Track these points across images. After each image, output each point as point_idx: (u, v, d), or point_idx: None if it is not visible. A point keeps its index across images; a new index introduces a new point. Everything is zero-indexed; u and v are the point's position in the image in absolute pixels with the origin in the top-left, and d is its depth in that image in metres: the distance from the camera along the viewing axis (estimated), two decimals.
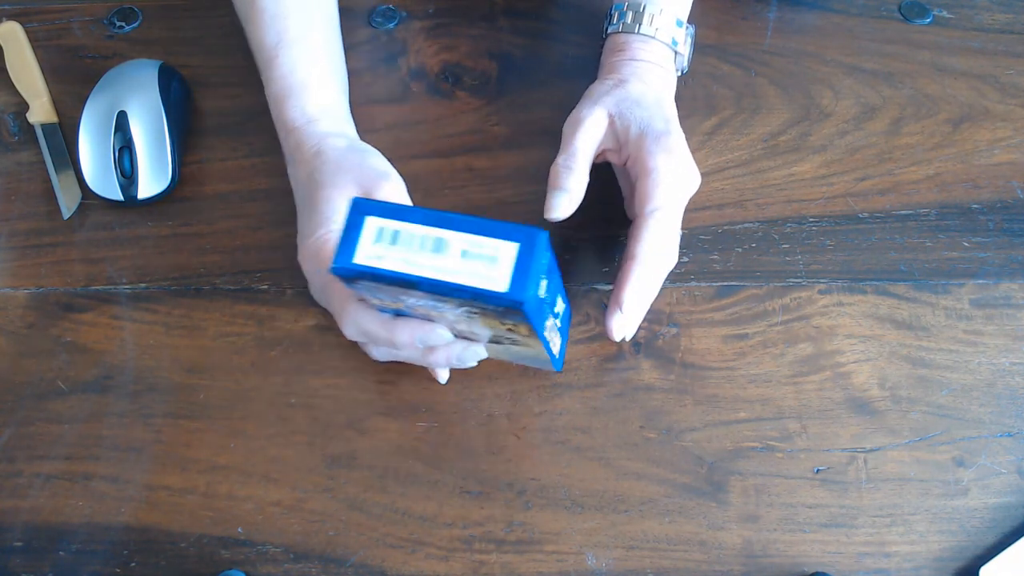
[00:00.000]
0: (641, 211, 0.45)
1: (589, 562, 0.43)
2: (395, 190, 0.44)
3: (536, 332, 0.36)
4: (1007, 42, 0.59)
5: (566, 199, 0.46)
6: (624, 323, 0.45)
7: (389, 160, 0.47)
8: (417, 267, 0.33)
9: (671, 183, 0.46)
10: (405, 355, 0.44)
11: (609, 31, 0.52)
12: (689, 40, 0.53)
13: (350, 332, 0.43)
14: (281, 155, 0.50)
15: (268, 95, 0.49)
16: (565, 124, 0.49)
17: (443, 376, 0.47)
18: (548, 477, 0.45)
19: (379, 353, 0.45)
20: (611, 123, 0.48)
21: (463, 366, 0.43)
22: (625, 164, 0.48)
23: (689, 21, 0.53)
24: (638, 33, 0.51)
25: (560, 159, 0.47)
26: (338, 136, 0.47)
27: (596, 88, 0.50)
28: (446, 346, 0.42)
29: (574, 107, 0.49)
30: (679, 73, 0.53)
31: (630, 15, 0.51)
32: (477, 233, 0.33)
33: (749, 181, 0.53)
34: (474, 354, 0.42)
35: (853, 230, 0.52)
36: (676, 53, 0.52)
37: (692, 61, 0.54)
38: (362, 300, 0.41)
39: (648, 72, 0.50)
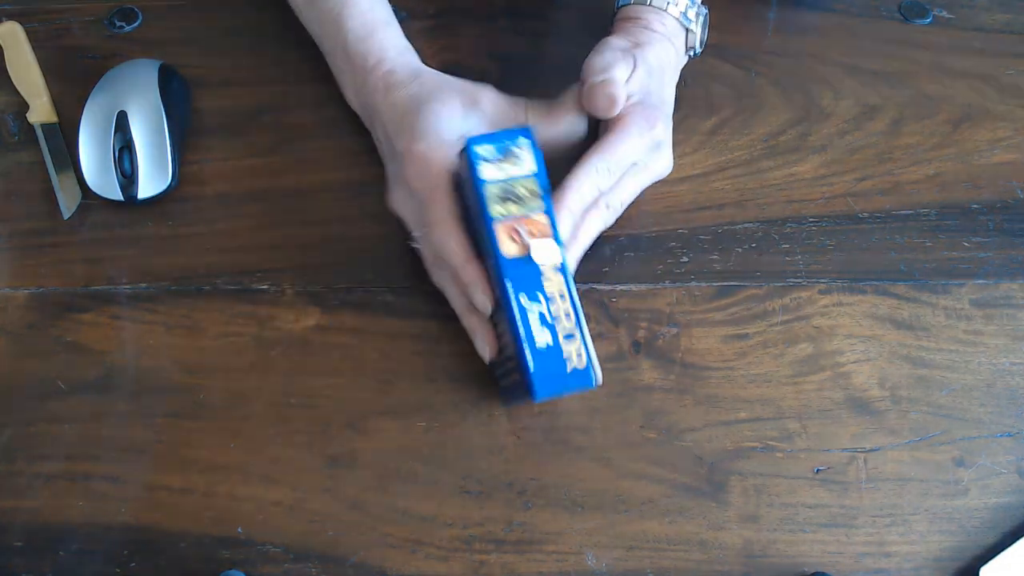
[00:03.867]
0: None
1: (589, 562, 0.43)
2: (497, 96, 0.48)
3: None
4: (1007, 42, 0.59)
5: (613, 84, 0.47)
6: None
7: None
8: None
9: (639, 146, 0.46)
10: (452, 294, 0.46)
11: (621, 3, 0.52)
12: (702, 20, 0.53)
13: (436, 238, 0.44)
14: (282, 155, 0.50)
15: (344, 34, 0.51)
16: (587, 60, 0.48)
17: (485, 354, 0.46)
18: (548, 477, 0.45)
19: (438, 277, 0.47)
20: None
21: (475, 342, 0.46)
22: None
23: (705, 4, 0.53)
24: (651, 5, 0.51)
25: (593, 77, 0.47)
26: (431, 71, 0.49)
27: (614, 41, 0.49)
28: (481, 322, 0.45)
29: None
30: (690, 56, 0.53)
31: None
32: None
33: (749, 181, 0.53)
34: (481, 343, 0.45)
35: (853, 230, 0.52)
36: (688, 31, 0.52)
37: (704, 47, 0.54)
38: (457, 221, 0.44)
39: (660, 44, 0.50)
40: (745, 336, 0.48)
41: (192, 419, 0.46)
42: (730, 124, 0.56)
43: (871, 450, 0.45)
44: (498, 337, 0.44)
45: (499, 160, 0.40)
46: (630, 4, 0.51)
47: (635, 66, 0.47)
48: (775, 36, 0.60)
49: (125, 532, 0.44)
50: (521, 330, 0.39)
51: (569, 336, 0.40)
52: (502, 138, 0.41)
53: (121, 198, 0.52)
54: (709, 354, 0.48)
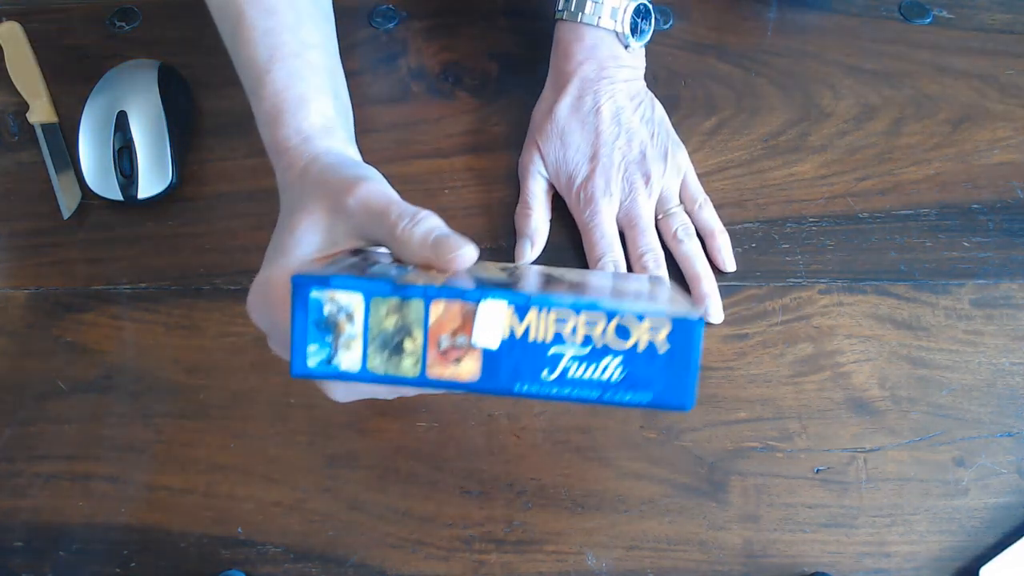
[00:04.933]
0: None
1: (589, 562, 0.43)
2: (371, 190, 0.35)
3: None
4: (1007, 42, 0.59)
5: (528, 245, 0.50)
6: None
7: (391, 160, 0.47)
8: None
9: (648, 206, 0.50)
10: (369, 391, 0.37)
11: (556, 16, 0.53)
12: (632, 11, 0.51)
13: (339, 395, 0.36)
14: None
15: (258, 117, 0.42)
16: (518, 166, 0.53)
17: None
18: (548, 477, 0.45)
19: (342, 395, 0.37)
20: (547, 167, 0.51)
21: None
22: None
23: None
24: (581, 22, 0.51)
25: (519, 206, 0.51)
26: (334, 154, 0.39)
27: (534, 115, 0.53)
28: None
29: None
30: (637, 44, 0.52)
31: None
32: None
33: (749, 181, 0.53)
34: None
35: (853, 230, 0.52)
36: (616, 33, 0.51)
37: (652, 32, 0.53)
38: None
39: (608, 103, 0.51)
40: (745, 336, 0.48)
41: (192, 419, 0.46)
42: (730, 124, 0.56)
43: (871, 450, 0.45)
44: None
45: (334, 340, 0.30)
46: (563, 20, 0.52)
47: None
48: (775, 36, 0.60)
49: (125, 532, 0.44)
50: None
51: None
52: (306, 320, 0.30)
53: (121, 198, 0.52)
54: (709, 354, 0.48)
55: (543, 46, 0.54)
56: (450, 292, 0.29)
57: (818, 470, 0.45)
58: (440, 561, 0.43)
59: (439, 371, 0.29)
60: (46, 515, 0.44)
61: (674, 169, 0.51)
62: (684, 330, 0.29)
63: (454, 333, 0.29)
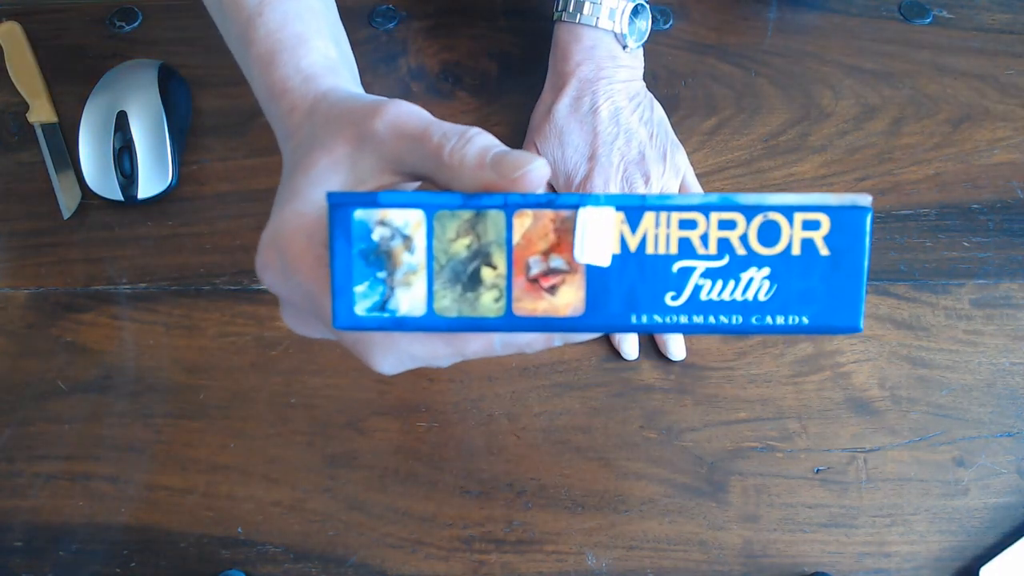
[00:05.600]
0: None
1: (589, 562, 0.43)
2: (403, 110, 0.29)
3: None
4: (1007, 42, 0.59)
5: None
6: None
7: None
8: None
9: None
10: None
11: (555, 17, 0.52)
12: (629, 12, 0.51)
13: (389, 366, 0.29)
14: (281, 155, 0.49)
15: (248, 66, 0.37)
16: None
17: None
18: (548, 477, 0.45)
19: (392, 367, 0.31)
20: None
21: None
22: None
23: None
24: (580, 23, 0.51)
25: None
26: (345, 90, 0.33)
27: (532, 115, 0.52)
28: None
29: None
30: (635, 45, 0.52)
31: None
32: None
33: (749, 181, 0.53)
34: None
35: None
36: (614, 34, 0.51)
37: (648, 34, 0.53)
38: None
39: (607, 104, 0.50)
40: (745, 336, 0.48)
41: (192, 419, 0.46)
42: (730, 124, 0.56)
43: (871, 450, 0.45)
44: None
45: (387, 276, 0.23)
46: (562, 21, 0.52)
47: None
48: (775, 36, 0.60)
49: (125, 532, 0.44)
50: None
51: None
52: (348, 252, 0.23)
53: (121, 198, 0.52)
54: (709, 354, 0.48)
55: (543, 46, 0.54)
56: (538, 200, 0.23)
57: (818, 470, 0.45)
58: (440, 561, 0.43)
59: (530, 305, 0.23)
60: (46, 515, 0.44)
61: (673, 170, 0.51)
62: (850, 225, 0.22)
63: (547, 254, 0.23)
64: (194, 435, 0.46)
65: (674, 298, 0.22)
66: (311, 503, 0.44)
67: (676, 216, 0.22)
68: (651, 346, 0.48)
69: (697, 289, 0.22)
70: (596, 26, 0.50)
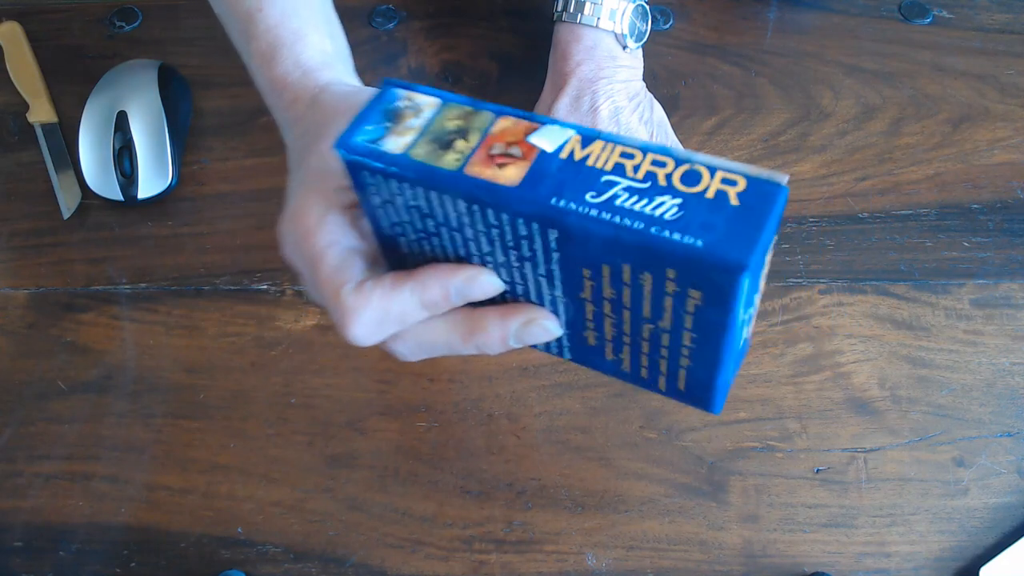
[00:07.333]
0: None
1: (589, 562, 0.43)
2: None
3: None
4: (1007, 42, 0.59)
5: None
6: None
7: None
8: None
9: None
10: (443, 341, 0.32)
11: (555, 17, 0.52)
12: (631, 12, 0.51)
13: (361, 329, 0.31)
14: (281, 155, 0.49)
15: (251, 60, 0.39)
16: None
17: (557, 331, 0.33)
18: (548, 477, 0.45)
19: (407, 348, 0.33)
20: None
21: (522, 345, 0.32)
22: None
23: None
24: (580, 23, 0.50)
25: None
26: (345, 83, 0.37)
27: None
28: (500, 320, 0.31)
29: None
30: (634, 45, 0.52)
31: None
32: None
33: None
34: (543, 330, 0.31)
35: (853, 230, 0.52)
36: (614, 34, 0.51)
37: (647, 34, 0.53)
38: (362, 284, 0.31)
39: (607, 103, 0.50)
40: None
41: (192, 419, 0.46)
42: (730, 124, 0.56)
43: (871, 450, 0.45)
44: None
45: (391, 126, 0.29)
46: (562, 21, 0.51)
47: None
48: (775, 36, 0.60)
49: (125, 532, 0.44)
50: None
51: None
52: (375, 107, 0.29)
53: (121, 198, 0.52)
54: None
55: (543, 46, 0.54)
56: (524, 114, 0.28)
57: (818, 470, 0.45)
58: (440, 561, 0.43)
59: (479, 170, 0.27)
60: (46, 515, 0.44)
61: None
62: (763, 192, 0.25)
63: (510, 144, 0.28)
64: (194, 435, 0.46)
65: (593, 197, 0.26)
66: (311, 503, 0.44)
67: (620, 148, 0.27)
68: None
69: (615, 196, 0.26)
70: (596, 26, 0.50)
